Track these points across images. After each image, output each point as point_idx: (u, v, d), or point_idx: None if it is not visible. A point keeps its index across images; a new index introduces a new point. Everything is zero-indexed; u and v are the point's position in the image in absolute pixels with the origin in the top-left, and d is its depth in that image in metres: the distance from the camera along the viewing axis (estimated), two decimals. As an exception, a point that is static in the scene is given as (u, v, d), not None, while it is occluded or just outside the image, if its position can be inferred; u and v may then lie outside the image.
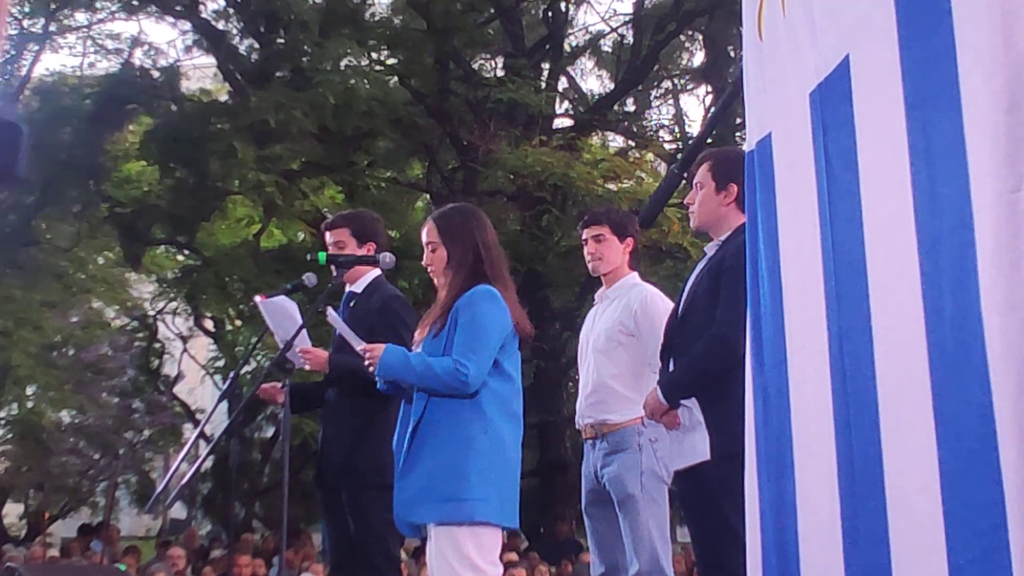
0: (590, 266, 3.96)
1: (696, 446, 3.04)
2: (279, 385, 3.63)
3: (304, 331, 3.51)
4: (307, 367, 3.69)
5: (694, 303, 3.15)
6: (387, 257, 3.51)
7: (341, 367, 3.62)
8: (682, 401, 3.13)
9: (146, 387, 15.19)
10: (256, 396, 3.72)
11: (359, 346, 3.13)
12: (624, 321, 3.76)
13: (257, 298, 3.78)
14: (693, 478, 3.09)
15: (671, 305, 3.75)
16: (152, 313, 15.66)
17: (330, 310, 3.42)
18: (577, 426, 3.88)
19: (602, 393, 3.74)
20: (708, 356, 3.02)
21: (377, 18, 13.25)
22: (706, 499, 3.00)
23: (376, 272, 3.79)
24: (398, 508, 3.00)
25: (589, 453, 3.79)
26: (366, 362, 3.05)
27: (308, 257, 3.68)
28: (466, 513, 2.84)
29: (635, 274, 3.98)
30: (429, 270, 3.19)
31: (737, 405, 2.82)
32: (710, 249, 3.27)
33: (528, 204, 11.66)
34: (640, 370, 3.73)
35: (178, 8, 12.57)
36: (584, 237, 3.96)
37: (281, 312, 3.65)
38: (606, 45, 15.09)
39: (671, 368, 3.19)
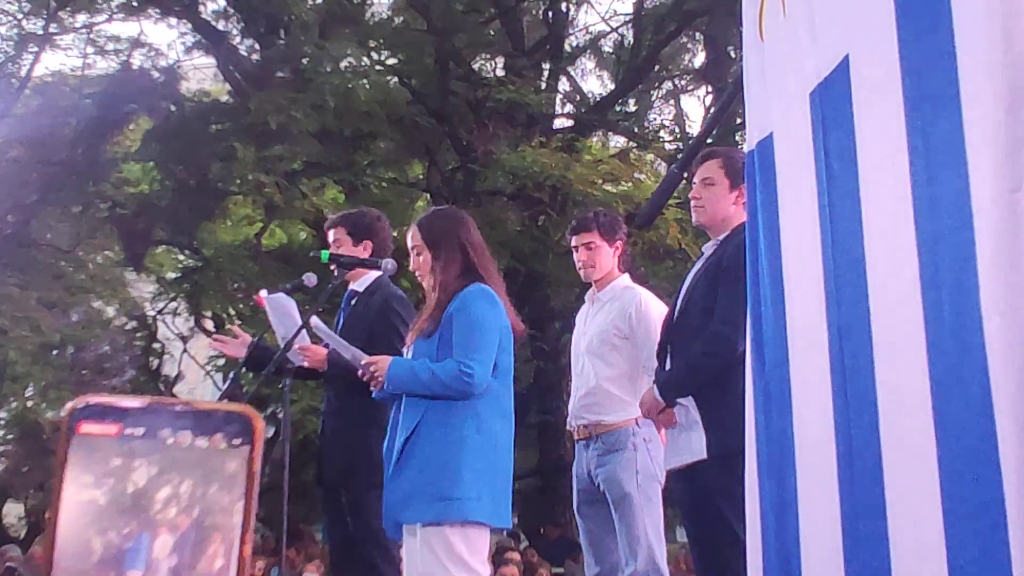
0: (581, 273, 3.97)
1: (692, 445, 3.05)
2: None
3: (304, 329, 3.52)
4: (306, 364, 3.70)
5: (691, 302, 3.15)
6: (390, 264, 3.53)
7: (340, 364, 3.63)
8: (679, 400, 3.13)
9: (146, 387, 15.17)
10: (258, 393, 3.72)
11: (363, 360, 3.14)
12: (618, 324, 3.77)
13: (262, 293, 3.78)
14: (689, 477, 3.09)
15: (665, 308, 3.77)
16: (152, 313, 15.64)
17: (316, 321, 3.42)
18: (569, 427, 3.89)
19: (597, 395, 3.75)
20: (706, 355, 3.03)
21: (377, 18, 13.24)
22: (703, 498, 3.01)
23: (378, 272, 3.80)
24: (387, 509, 3.00)
25: (581, 454, 3.80)
26: (371, 372, 3.06)
27: (311, 254, 3.68)
28: (458, 512, 2.84)
29: (626, 276, 3.99)
30: (417, 275, 3.21)
31: (734, 404, 2.82)
32: (708, 249, 3.27)
33: (527, 205, 11.66)
34: (635, 372, 3.74)
35: (178, 8, 12.56)
36: (574, 244, 3.96)
37: (283, 310, 3.66)
38: (606, 45, 15.09)
39: (668, 366, 3.19)
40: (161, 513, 0.60)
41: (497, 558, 7.59)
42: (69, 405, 0.63)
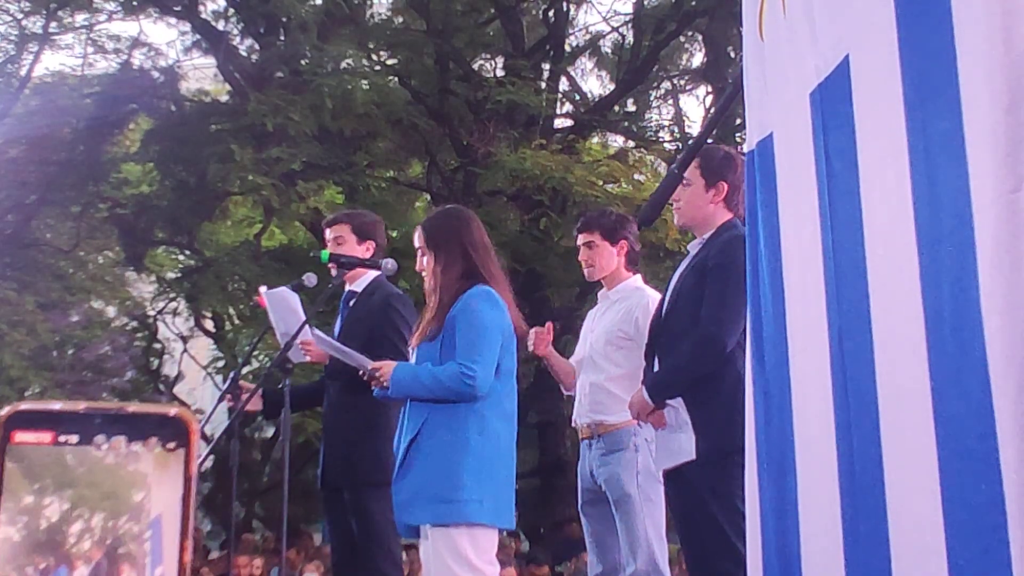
0: (585, 272, 3.99)
1: (683, 446, 3.05)
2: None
3: (306, 325, 3.52)
4: (308, 359, 3.69)
5: (678, 303, 3.16)
6: (389, 264, 3.53)
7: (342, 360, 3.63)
8: (668, 401, 3.14)
9: (146, 387, 15.16)
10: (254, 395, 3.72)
11: (368, 365, 3.14)
12: (624, 327, 3.78)
13: (262, 289, 3.79)
14: (679, 478, 3.09)
15: None
16: (152, 313, 15.64)
17: (318, 332, 3.43)
18: (574, 425, 3.91)
19: (599, 394, 3.76)
20: (694, 356, 3.03)
21: (377, 19, 13.24)
22: (693, 499, 3.01)
23: (376, 272, 3.80)
24: (395, 510, 3.02)
25: (585, 453, 3.81)
26: (376, 377, 3.07)
27: (311, 254, 3.69)
28: (460, 514, 2.86)
29: (638, 277, 3.99)
30: (423, 275, 3.20)
31: (723, 405, 2.82)
32: (693, 247, 3.28)
33: (527, 206, 11.65)
34: (638, 374, 3.74)
35: (178, 8, 12.56)
36: (578, 243, 3.98)
37: (284, 305, 3.65)
38: (606, 45, 15.09)
39: (656, 367, 3.20)
40: (76, 546, 0.60)
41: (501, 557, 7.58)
42: (1, 413, 0.62)
